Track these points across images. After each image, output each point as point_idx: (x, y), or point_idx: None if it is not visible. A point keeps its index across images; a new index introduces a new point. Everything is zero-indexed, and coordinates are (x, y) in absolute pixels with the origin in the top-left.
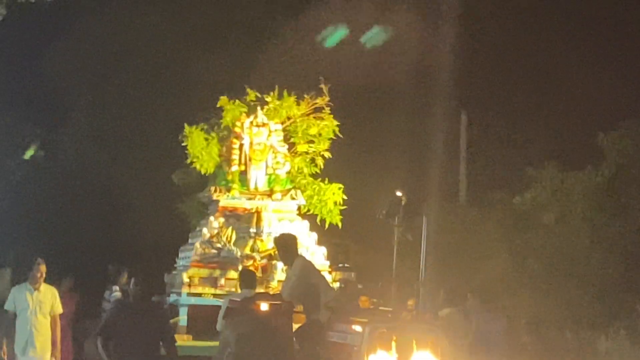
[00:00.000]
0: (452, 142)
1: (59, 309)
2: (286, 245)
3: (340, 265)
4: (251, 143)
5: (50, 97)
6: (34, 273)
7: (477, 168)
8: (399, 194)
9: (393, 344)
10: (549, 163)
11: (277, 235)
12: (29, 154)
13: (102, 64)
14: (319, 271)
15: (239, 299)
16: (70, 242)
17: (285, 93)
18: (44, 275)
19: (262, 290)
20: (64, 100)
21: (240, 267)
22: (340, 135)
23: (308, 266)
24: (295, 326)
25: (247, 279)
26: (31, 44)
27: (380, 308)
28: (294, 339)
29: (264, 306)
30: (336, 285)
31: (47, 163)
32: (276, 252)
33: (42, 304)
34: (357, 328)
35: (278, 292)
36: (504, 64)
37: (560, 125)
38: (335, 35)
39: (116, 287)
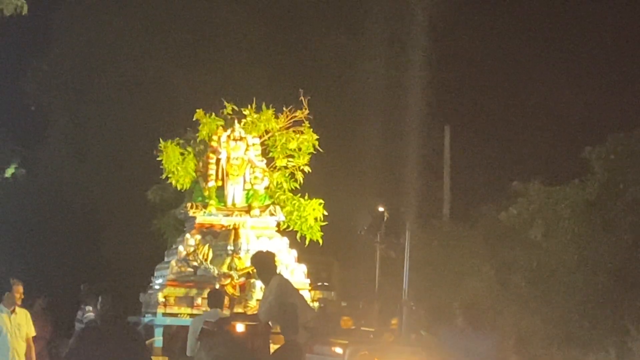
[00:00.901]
0: (435, 156)
1: (33, 331)
2: (264, 263)
3: (320, 284)
4: (228, 157)
5: (29, 115)
6: (11, 294)
7: (460, 183)
8: (381, 209)
9: None
10: (535, 177)
11: (255, 252)
12: (9, 172)
13: (80, 81)
14: (297, 290)
15: (212, 320)
16: (45, 261)
17: (263, 106)
18: (21, 296)
19: (240, 310)
20: (43, 117)
21: (217, 286)
22: (320, 150)
23: (285, 285)
24: (272, 348)
25: (215, 298)
26: (9, 62)
27: (362, 328)
28: None
29: (240, 327)
30: (315, 304)
31: (27, 181)
32: (254, 271)
33: (20, 327)
34: (338, 350)
35: (255, 312)
36: (487, 78)
37: (546, 139)
38: None
39: (89, 307)
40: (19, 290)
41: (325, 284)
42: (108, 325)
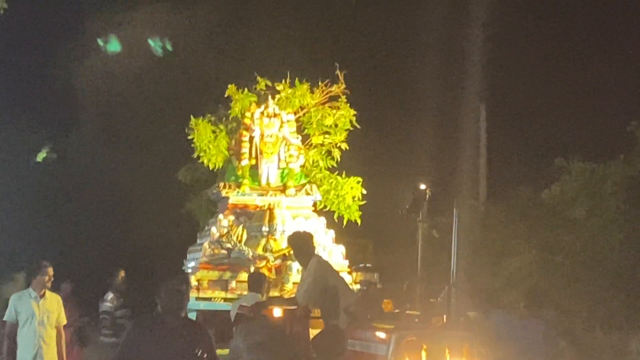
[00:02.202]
0: (475, 133)
1: (64, 319)
2: (301, 244)
3: (362, 265)
4: (262, 135)
5: (60, 100)
6: (41, 278)
7: (497, 162)
8: (422, 187)
9: (423, 353)
10: (576, 154)
11: (292, 233)
12: (40, 157)
13: (110, 63)
14: (337, 272)
15: (248, 304)
16: (76, 245)
17: (297, 81)
18: (51, 280)
19: (276, 294)
20: (73, 102)
21: (252, 269)
22: (358, 126)
23: (325, 267)
24: (312, 333)
25: (256, 282)
26: (39, 47)
27: (407, 312)
28: (311, 347)
29: (278, 312)
30: (357, 287)
31: (58, 166)
32: (291, 252)
33: (50, 314)
34: (382, 335)
35: (293, 295)
36: (527, 51)
37: (587, 114)
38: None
39: (110, 296)
40: (49, 273)
41: (368, 265)
42: (166, 321)
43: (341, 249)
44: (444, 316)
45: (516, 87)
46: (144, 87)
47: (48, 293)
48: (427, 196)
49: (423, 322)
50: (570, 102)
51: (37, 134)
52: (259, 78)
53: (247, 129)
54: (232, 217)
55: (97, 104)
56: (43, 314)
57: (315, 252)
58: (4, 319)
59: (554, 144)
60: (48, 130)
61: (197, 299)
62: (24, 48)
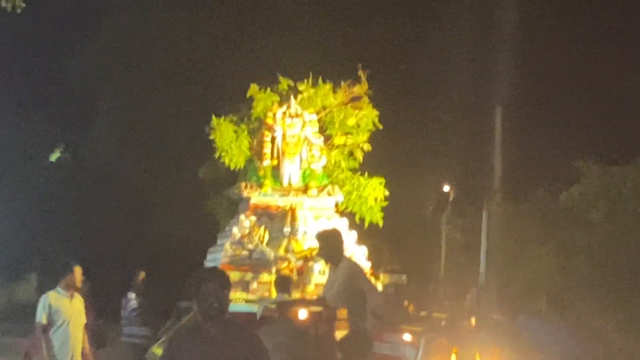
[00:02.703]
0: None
1: (84, 318)
2: (331, 242)
3: (389, 266)
4: (284, 135)
5: (75, 99)
6: (72, 278)
7: (513, 163)
8: (446, 188)
9: (453, 356)
10: (592, 157)
11: (321, 231)
12: (54, 156)
13: (126, 62)
14: (365, 274)
15: (274, 305)
16: (92, 245)
17: (320, 81)
18: (81, 279)
19: (297, 295)
20: (89, 101)
21: (273, 270)
22: (380, 126)
23: (354, 269)
24: (338, 335)
25: (283, 283)
26: (54, 47)
27: (435, 314)
28: (337, 349)
29: (303, 313)
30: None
31: (73, 165)
32: (313, 253)
33: (80, 314)
34: (411, 338)
35: (315, 296)
36: (545, 54)
37: (607, 116)
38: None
39: (132, 294)
40: (78, 272)
41: (396, 266)
42: (212, 326)
43: (363, 250)
44: (473, 319)
45: (533, 89)
46: (162, 86)
47: (75, 294)
48: (451, 198)
49: (451, 325)
50: (588, 105)
51: (52, 134)
52: (281, 78)
53: (269, 129)
54: (253, 218)
55: (113, 103)
56: (75, 315)
57: (344, 250)
58: (38, 320)
59: (570, 146)
60: (63, 130)
61: None
62: (40, 47)
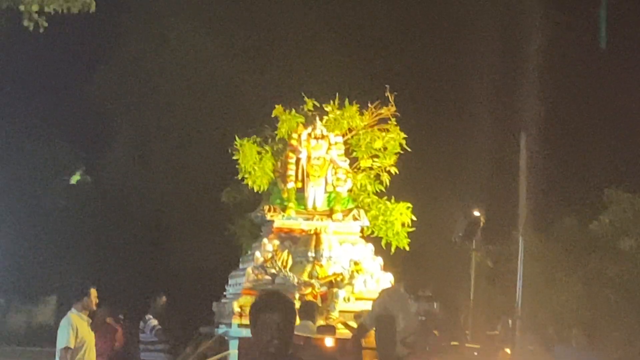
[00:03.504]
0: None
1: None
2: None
3: (421, 294)
4: (309, 157)
5: (96, 120)
6: (89, 299)
7: (536, 191)
8: (476, 213)
9: None
10: (621, 185)
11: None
12: (75, 179)
13: (147, 83)
14: (404, 300)
15: (301, 333)
16: (112, 269)
17: (346, 102)
18: (97, 302)
19: (321, 322)
20: (110, 123)
21: (297, 296)
22: (408, 149)
23: (389, 295)
24: None
25: (308, 309)
26: (74, 68)
27: (467, 345)
28: None
29: (330, 341)
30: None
31: (94, 188)
32: (337, 279)
33: (93, 339)
34: None
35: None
36: (575, 79)
37: (634, 143)
38: None
39: (149, 316)
40: (94, 294)
41: (429, 294)
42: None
43: (389, 276)
44: (508, 349)
45: (558, 115)
46: (183, 108)
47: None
48: (482, 223)
49: (485, 357)
50: (613, 132)
51: (72, 156)
52: (306, 98)
53: (294, 150)
54: (276, 242)
55: (134, 125)
56: (92, 340)
57: None
58: (66, 344)
59: (598, 174)
60: (83, 152)
61: (240, 325)
62: (61, 69)
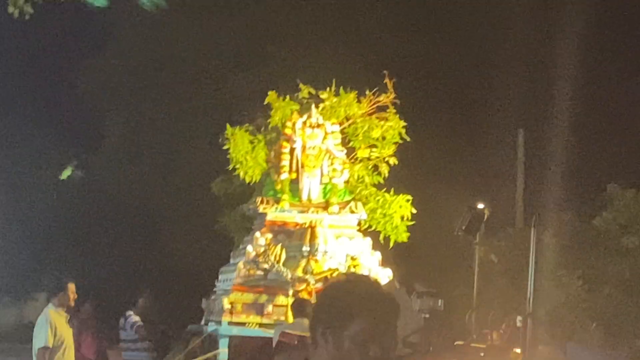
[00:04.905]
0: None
1: None
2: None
3: (424, 290)
4: (304, 147)
5: (86, 115)
6: (65, 295)
7: (535, 186)
8: (480, 206)
9: None
10: (621, 181)
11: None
12: (65, 174)
13: (138, 74)
14: (404, 297)
15: (293, 331)
16: (102, 264)
17: (342, 89)
18: (75, 297)
19: None
20: (99, 118)
21: (290, 292)
22: (408, 139)
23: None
24: None
25: (300, 307)
26: (65, 63)
27: (473, 345)
28: None
29: None
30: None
31: (84, 183)
32: (333, 275)
33: (71, 337)
34: None
35: None
36: (581, 74)
37: (629, 141)
38: None
39: (130, 312)
40: (72, 290)
41: (432, 290)
42: None
43: (388, 272)
44: (518, 349)
45: (554, 112)
46: (174, 98)
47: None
48: (486, 216)
49: (492, 357)
50: (618, 126)
51: (62, 151)
52: (301, 85)
53: (288, 139)
54: (269, 235)
55: (124, 116)
56: (70, 338)
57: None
58: (44, 343)
59: (596, 170)
60: (73, 147)
61: (230, 323)
62: (50, 63)
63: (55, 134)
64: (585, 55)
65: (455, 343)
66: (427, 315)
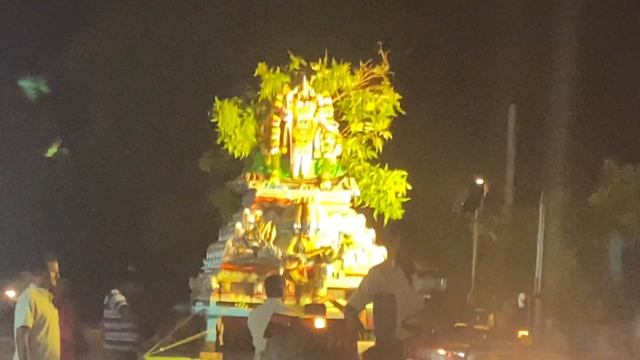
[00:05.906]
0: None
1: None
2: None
3: (425, 269)
4: (295, 120)
5: (72, 92)
6: (46, 273)
7: (529, 164)
8: (480, 181)
9: None
10: (615, 157)
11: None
12: (51, 152)
13: (124, 48)
14: (401, 277)
15: (269, 312)
16: (88, 243)
17: (335, 61)
18: (57, 275)
19: (308, 300)
20: (86, 93)
21: (281, 271)
22: (403, 112)
23: (383, 270)
24: (361, 348)
25: (274, 285)
26: (50, 40)
27: (476, 327)
28: None
29: (320, 322)
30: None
31: (70, 161)
32: (325, 253)
33: (56, 317)
34: (457, 355)
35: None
36: (574, 51)
37: (632, 114)
38: None
39: (115, 291)
40: (54, 268)
41: (435, 269)
42: None
43: (382, 250)
44: (526, 332)
45: (550, 86)
46: (161, 72)
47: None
48: (485, 192)
49: (503, 340)
50: (613, 100)
51: (48, 128)
52: (292, 56)
53: (279, 113)
54: (259, 212)
55: (111, 92)
56: (55, 317)
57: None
58: (23, 322)
59: (590, 146)
60: (59, 124)
61: (218, 303)
62: (35, 41)
63: (41, 112)
64: (580, 29)
65: (456, 325)
66: (429, 296)
